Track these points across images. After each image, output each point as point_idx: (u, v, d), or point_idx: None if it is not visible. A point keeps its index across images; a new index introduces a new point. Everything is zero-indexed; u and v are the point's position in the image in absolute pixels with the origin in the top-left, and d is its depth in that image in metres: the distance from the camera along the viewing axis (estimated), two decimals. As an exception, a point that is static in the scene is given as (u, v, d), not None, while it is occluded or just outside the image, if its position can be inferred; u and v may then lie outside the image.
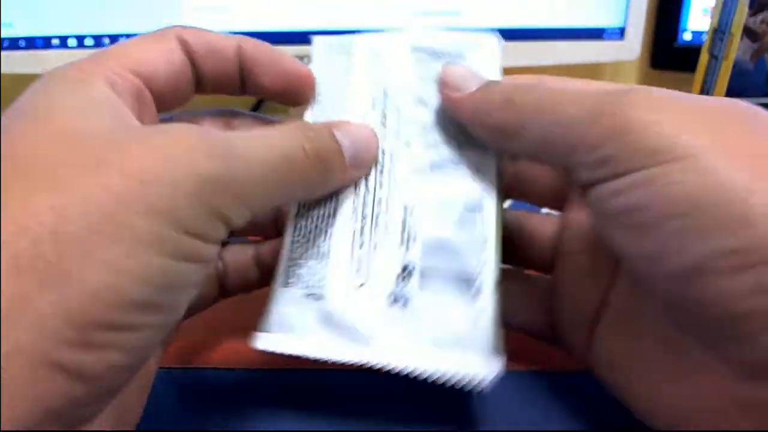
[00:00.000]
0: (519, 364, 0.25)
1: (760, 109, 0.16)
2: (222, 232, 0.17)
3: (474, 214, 0.21)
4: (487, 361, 0.19)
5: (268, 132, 0.18)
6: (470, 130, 0.21)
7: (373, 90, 0.24)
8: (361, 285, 0.21)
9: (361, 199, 0.22)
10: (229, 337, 0.27)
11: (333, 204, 0.22)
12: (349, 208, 0.22)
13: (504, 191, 0.22)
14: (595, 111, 0.16)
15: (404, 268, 0.21)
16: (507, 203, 0.42)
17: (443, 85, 0.22)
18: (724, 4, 0.44)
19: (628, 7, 0.51)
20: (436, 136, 0.23)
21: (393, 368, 0.19)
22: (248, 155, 0.17)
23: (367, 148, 0.22)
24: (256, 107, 0.56)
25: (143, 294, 0.14)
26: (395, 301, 0.21)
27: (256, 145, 0.17)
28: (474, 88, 0.20)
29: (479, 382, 0.19)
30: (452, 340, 0.20)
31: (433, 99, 0.23)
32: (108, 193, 0.14)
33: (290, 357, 0.20)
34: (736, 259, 0.14)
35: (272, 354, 0.20)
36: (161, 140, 0.15)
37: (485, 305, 0.20)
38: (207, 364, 0.26)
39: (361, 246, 0.22)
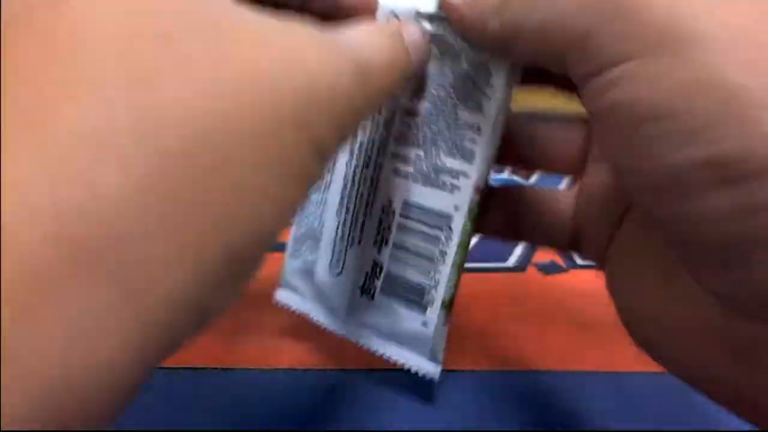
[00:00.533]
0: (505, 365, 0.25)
1: None
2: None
3: (440, 230, 0.21)
4: (427, 365, 0.22)
5: (370, 37, 0.15)
6: (470, 39, 0.19)
7: None
8: (338, 274, 0.23)
9: (347, 191, 0.23)
10: (230, 337, 0.27)
11: (326, 193, 0.23)
12: (336, 199, 0.23)
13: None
14: (578, 8, 0.14)
15: (374, 266, 0.22)
16: (533, 178, 0.42)
17: None
18: None
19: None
20: (425, 142, 0.22)
21: (362, 345, 0.23)
22: (378, 66, 0.15)
23: (422, 59, 0.19)
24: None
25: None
26: (363, 293, 0.23)
27: (377, 51, 0.15)
28: None
29: (427, 377, 0.22)
30: (404, 338, 0.22)
31: (427, 103, 0.21)
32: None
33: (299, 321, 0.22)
34: (712, 172, 0.12)
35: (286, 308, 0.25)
36: (293, 42, 0.13)
37: (430, 319, 0.21)
38: (207, 364, 0.26)
39: (342, 238, 0.23)
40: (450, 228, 0.21)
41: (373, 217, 0.22)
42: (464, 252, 0.21)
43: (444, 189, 0.21)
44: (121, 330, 0.10)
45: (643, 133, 0.13)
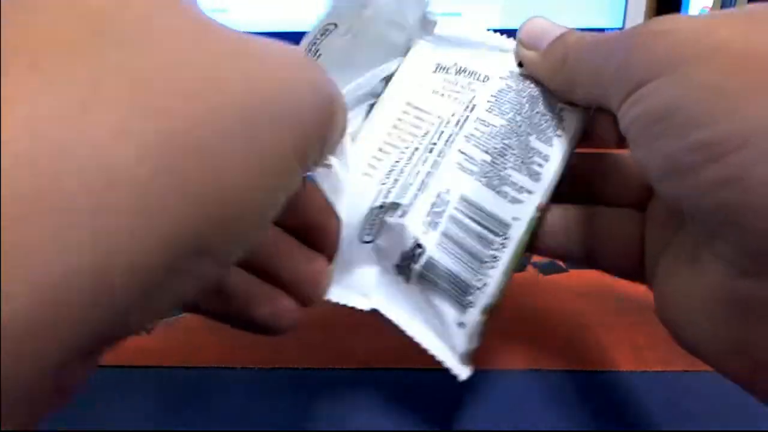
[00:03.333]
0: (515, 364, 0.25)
1: None
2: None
3: (496, 236, 0.21)
4: (456, 364, 0.21)
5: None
6: (543, 84, 0.23)
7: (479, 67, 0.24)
8: (367, 242, 0.22)
9: (400, 165, 0.22)
10: (230, 337, 0.27)
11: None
12: (386, 166, 0.22)
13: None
14: (610, 55, 0.19)
15: (415, 247, 0.21)
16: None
17: (520, 42, 0.24)
18: (723, 5, 0.44)
19: (626, 8, 0.51)
20: (494, 150, 0.22)
21: (392, 320, 0.21)
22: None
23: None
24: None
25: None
26: (399, 273, 0.21)
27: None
28: (545, 46, 0.23)
29: (453, 373, 0.20)
30: (435, 328, 0.21)
31: (503, 120, 0.22)
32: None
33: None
34: (699, 154, 0.15)
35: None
36: (289, 59, 0.14)
37: (469, 321, 0.21)
38: (207, 364, 0.26)
39: (382, 207, 0.22)
40: (507, 236, 0.21)
41: (425, 199, 0.21)
42: (516, 262, 0.21)
43: (505, 198, 0.21)
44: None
45: (651, 133, 0.17)
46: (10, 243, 0.09)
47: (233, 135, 0.12)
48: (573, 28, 0.23)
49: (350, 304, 0.21)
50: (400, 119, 0.23)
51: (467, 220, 0.21)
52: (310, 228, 0.20)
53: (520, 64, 0.24)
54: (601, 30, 0.52)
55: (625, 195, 0.24)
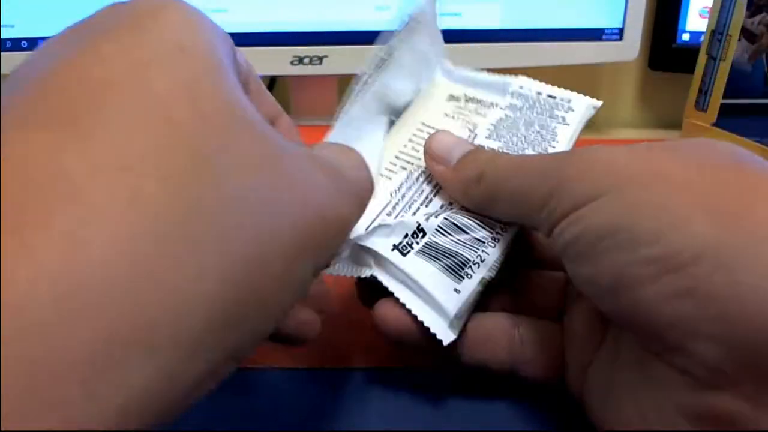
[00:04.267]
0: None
1: (705, 142, 0.19)
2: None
3: (499, 222, 0.23)
4: (444, 329, 0.21)
5: (360, 171, 0.18)
6: (455, 199, 0.24)
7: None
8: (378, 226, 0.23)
9: (409, 182, 0.25)
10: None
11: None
12: (399, 178, 0.25)
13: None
14: (540, 179, 0.20)
15: (416, 231, 0.23)
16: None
17: (428, 156, 0.24)
18: (722, 5, 0.44)
19: (626, 8, 0.51)
20: None
21: (387, 287, 0.22)
22: (366, 196, 0.18)
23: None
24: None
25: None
26: (396, 249, 0.22)
27: (366, 185, 0.18)
28: (455, 161, 0.23)
29: (439, 340, 0.21)
30: (428, 297, 0.21)
31: (500, 143, 0.26)
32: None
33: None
34: (653, 267, 0.16)
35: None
36: (312, 180, 0.15)
37: (465, 287, 0.22)
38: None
39: (394, 204, 0.24)
40: (509, 223, 0.23)
41: (429, 209, 0.24)
42: (513, 245, 0.23)
43: None
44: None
45: (595, 250, 0.17)
46: None
47: (273, 262, 0.13)
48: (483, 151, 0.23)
49: (350, 275, 0.23)
50: (414, 134, 0.27)
51: (468, 216, 0.23)
52: None
53: (521, 87, 0.28)
54: (600, 31, 0.52)
55: (542, 307, 0.24)
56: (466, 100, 0.28)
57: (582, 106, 0.27)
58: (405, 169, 0.26)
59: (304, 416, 0.23)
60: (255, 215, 0.12)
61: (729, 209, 0.16)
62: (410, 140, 0.27)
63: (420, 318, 0.21)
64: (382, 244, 0.22)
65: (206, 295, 0.11)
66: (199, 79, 0.12)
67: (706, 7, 0.56)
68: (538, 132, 0.26)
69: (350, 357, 0.26)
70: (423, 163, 0.25)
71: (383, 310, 0.22)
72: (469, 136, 0.27)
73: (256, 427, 0.22)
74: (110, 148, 0.10)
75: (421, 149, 0.25)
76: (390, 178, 0.26)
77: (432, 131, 0.26)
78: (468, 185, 0.22)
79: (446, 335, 0.21)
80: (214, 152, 0.12)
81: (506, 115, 0.27)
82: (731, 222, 0.15)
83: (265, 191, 0.13)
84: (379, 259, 0.22)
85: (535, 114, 0.27)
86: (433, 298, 0.21)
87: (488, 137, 0.26)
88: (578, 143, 0.26)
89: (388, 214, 0.24)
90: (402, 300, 0.21)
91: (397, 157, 0.26)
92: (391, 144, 0.27)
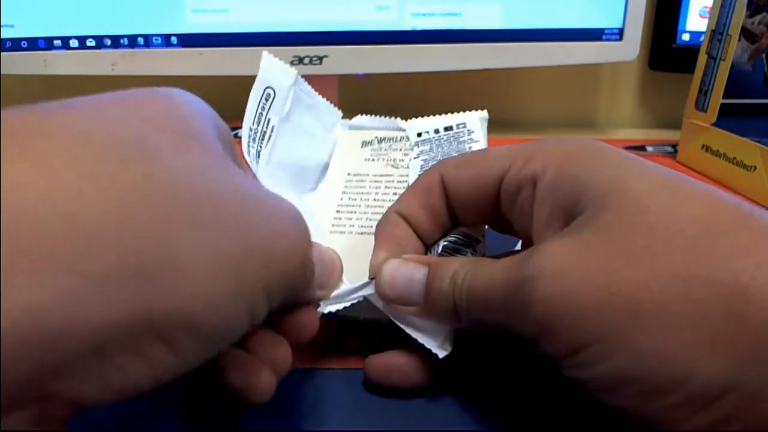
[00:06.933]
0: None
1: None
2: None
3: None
4: (437, 349, 0.21)
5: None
6: None
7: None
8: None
9: (354, 219, 0.28)
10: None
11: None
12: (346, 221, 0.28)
13: None
14: (517, 315, 0.18)
15: None
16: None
17: (384, 297, 0.22)
18: (722, 5, 0.44)
19: (626, 8, 0.51)
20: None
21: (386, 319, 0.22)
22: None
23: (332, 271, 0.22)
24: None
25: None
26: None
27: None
28: (419, 297, 0.21)
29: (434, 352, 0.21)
30: (423, 326, 0.22)
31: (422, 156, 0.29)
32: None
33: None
34: (683, 410, 0.15)
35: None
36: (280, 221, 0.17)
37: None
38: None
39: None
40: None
41: None
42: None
43: None
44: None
45: (619, 393, 0.16)
46: None
47: (222, 266, 0.15)
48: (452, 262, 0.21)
49: (348, 303, 0.22)
50: (346, 186, 0.29)
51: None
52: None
53: (419, 134, 0.30)
54: (600, 31, 0.52)
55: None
56: (379, 141, 0.31)
57: (477, 123, 0.29)
58: (350, 219, 0.28)
59: (303, 416, 0.23)
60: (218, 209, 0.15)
61: (734, 337, 0.15)
62: (344, 192, 0.29)
63: (413, 336, 0.21)
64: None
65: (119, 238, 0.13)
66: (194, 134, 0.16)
67: (706, 7, 0.56)
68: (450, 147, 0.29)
69: (349, 357, 0.26)
70: (364, 203, 0.28)
71: (378, 362, 0.22)
72: (396, 168, 0.29)
73: (256, 427, 0.22)
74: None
75: (358, 198, 0.28)
76: (342, 232, 0.27)
77: (360, 178, 0.29)
78: (449, 318, 0.21)
79: (440, 352, 0.21)
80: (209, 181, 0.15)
81: (421, 151, 0.29)
82: (743, 354, 0.15)
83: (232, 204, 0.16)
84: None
85: (445, 149, 0.29)
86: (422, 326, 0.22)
87: (416, 157, 0.29)
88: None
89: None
90: (398, 323, 0.22)
91: (338, 212, 0.28)
92: (327, 203, 0.29)
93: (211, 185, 0.15)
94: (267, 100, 0.27)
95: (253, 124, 0.27)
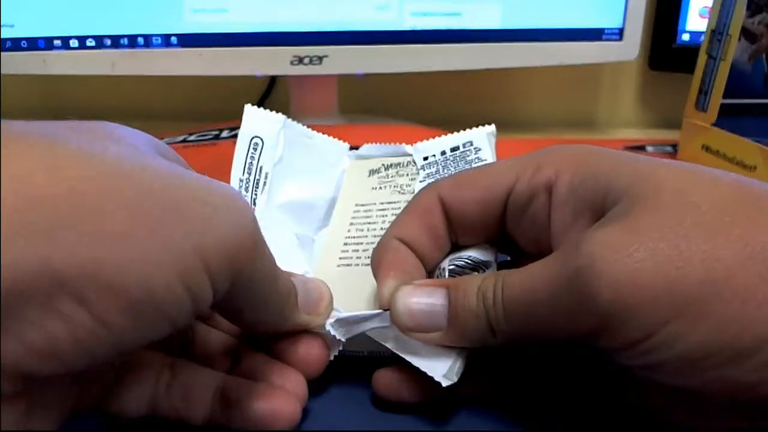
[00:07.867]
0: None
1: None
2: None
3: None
4: (443, 379, 0.20)
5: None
6: None
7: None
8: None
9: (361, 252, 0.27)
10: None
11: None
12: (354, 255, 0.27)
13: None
14: (569, 313, 0.18)
15: None
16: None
17: (406, 330, 0.21)
18: (722, 5, 0.44)
19: (626, 7, 0.51)
20: None
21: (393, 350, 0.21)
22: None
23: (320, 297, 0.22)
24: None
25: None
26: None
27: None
28: (442, 322, 0.20)
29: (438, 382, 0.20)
30: (427, 354, 0.21)
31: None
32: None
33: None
34: (765, 371, 0.16)
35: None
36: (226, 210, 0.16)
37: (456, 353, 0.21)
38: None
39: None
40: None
41: None
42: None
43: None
44: None
45: (698, 367, 0.16)
46: None
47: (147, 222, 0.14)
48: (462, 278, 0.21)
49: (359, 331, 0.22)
50: (354, 217, 0.29)
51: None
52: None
53: (425, 158, 0.29)
54: (600, 31, 0.52)
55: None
56: (386, 168, 0.30)
57: (484, 139, 0.28)
58: (356, 251, 0.27)
59: (303, 417, 0.23)
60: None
61: None
62: (351, 224, 0.28)
63: (420, 367, 0.20)
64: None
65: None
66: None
67: (706, 7, 0.56)
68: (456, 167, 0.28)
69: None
70: (373, 240, 0.26)
71: (384, 378, 0.22)
72: (402, 194, 0.28)
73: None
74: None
75: (365, 229, 0.27)
76: (349, 265, 0.26)
77: (367, 209, 0.28)
78: (481, 337, 0.20)
79: (444, 382, 0.20)
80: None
81: (428, 174, 0.28)
82: None
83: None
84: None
85: (452, 170, 0.28)
86: (428, 353, 0.21)
87: (422, 181, 0.28)
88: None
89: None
90: (403, 356, 0.21)
91: (346, 245, 0.27)
92: (335, 236, 0.28)
93: (133, 161, 0.15)
94: (255, 149, 0.28)
95: (243, 174, 0.27)
